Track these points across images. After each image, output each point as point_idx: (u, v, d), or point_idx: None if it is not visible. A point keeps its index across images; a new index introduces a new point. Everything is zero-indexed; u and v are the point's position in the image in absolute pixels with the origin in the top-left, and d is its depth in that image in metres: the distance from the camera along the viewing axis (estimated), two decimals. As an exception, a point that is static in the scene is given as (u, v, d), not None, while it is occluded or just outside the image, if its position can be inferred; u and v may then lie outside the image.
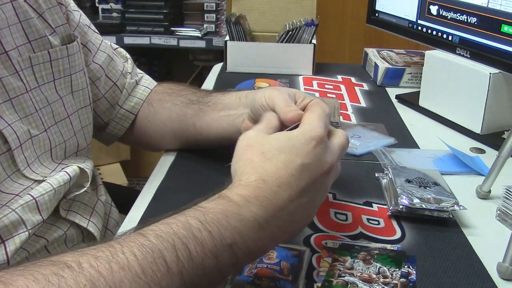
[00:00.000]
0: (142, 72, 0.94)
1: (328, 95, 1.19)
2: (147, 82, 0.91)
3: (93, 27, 0.85)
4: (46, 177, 0.67)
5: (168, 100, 0.86)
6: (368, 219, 0.70)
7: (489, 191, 0.75)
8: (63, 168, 0.70)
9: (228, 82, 1.27)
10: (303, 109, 0.64)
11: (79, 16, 0.82)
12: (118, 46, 0.92)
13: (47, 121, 0.70)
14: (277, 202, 0.48)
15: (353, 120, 1.05)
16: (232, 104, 0.78)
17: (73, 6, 0.81)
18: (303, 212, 0.51)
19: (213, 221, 0.45)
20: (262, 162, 0.50)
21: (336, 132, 0.58)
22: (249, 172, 0.50)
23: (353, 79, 1.30)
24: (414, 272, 0.57)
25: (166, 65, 2.53)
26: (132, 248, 0.42)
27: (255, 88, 1.22)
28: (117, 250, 0.42)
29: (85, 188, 0.73)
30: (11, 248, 0.61)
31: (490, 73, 0.93)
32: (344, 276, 0.56)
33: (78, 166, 0.71)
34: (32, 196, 0.64)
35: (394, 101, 1.16)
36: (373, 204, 0.74)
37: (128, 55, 0.92)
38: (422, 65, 1.11)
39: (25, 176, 0.65)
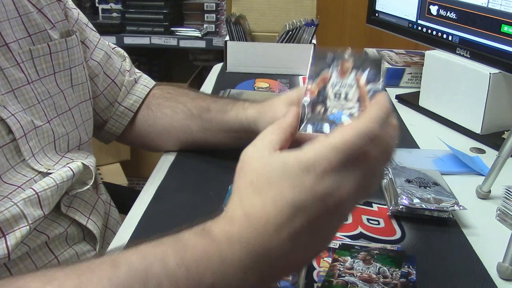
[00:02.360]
0: (141, 72, 0.95)
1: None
2: (146, 81, 0.91)
3: (90, 25, 0.86)
4: (49, 169, 0.68)
5: (167, 106, 0.86)
6: (368, 219, 0.70)
7: (489, 191, 0.75)
8: (67, 163, 0.71)
9: (228, 82, 1.26)
10: None
11: (78, 14, 0.83)
12: (116, 46, 0.93)
13: (49, 113, 0.70)
14: (264, 245, 0.40)
15: (353, 120, 1.05)
16: (233, 126, 0.79)
17: (71, 4, 0.82)
18: (305, 249, 0.42)
19: (192, 260, 0.40)
20: (249, 194, 0.42)
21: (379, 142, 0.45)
22: (235, 204, 0.43)
23: (353, 79, 1.30)
24: (414, 272, 0.57)
25: (166, 65, 2.53)
26: (101, 280, 0.38)
27: (255, 88, 1.22)
28: (86, 279, 0.38)
29: (88, 186, 0.73)
30: (11, 242, 0.61)
31: (490, 73, 0.93)
32: (344, 276, 0.56)
33: (82, 162, 0.72)
34: (34, 190, 0.64)
35: (394, 101, 1.16)
36: (373, 204, 0.74)
37: (126, 54, 0.93)
38: (422, 65, 1.11)
39: (30, 167, 0.66)
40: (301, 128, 0.47)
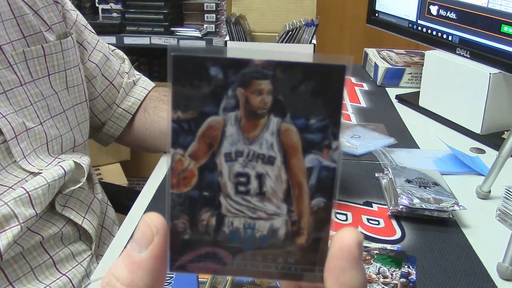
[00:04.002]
0: (140, 73, 0.94)
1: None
2: (145, 83, 0.91)
3: (89, 27, 0.86)
4: (41, 169, 0.68)
5: (164, 109, 0.86)
6: (368, 219, 0.70)
7: (489, 191, 0.75)
8: (59, 163, 0.70)
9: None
10: None
11: (76, 16, 0.82)
12: (115, 48, 0.92)
13: (42, 115, 0.70)
14: None
15: (353, 120, 1.05)
16: None
17: (70, 5, 0.81)
18: None
19: None
20: None
21: None
22: None
23: (353, 79, 1.30)
24: (414, 272, 0.57)
25: (166, 65, 2.53)
26: None
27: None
28: None
29: (81, 183, 0.73)
30: (3, 242, 0.61)
31: (490, 73, 0.93)
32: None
33: (73, 161, 0.72)
34: (25, 189, 0.64)
35: (394, 101, 1.16)
36: (373, 204, 0.74)
37: (125, 56, 0.93)
38: (422, 65, 1.11)
39: (21, 168, 0.66)
40: (173, 268, 0.25)
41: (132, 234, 0.25)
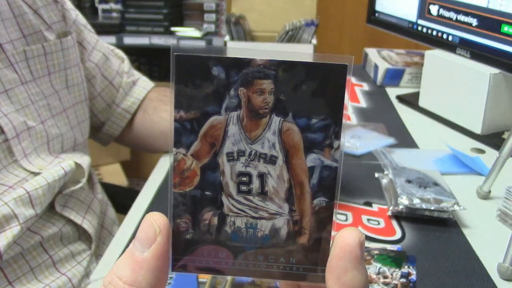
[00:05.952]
0: (139, 73, 0.95)
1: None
2: (144, 83, 0.91)
3: (89, 27, 0.86)
4: (42, 169, 0.68)
5: (164, 110, 0.86)
6: (368, 219, 0.70)
7: (489, 191, 0.75)
8: (59, 163, 0.70)
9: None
10: None
11: (76, 15, 0.82)
12: (114, 47, 0.92)
13: (43, 114, 0.70)
14: None
15: (353, 120, 1.05)
16: None
17: (69, 5, 0.81)
18: None
19: None
20: None
21: None
22: None
23: (353, 79, 1.30)
24: (414, 272, 0.57)
25: (166, 65, 2.53)
26: None
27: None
28: None
29: (81, 184, 0.73)
30: (3, 242, 0.61)
31: (490, 73, 0.93)
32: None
33: (74, 161, 0.72)
34: (25, 189, 0.64)
35: (394, 101, 1.16)
36: (373, 204, 0.74)
37: (124, 56, 0.93)
38: (422, 65, 1.11)
39: (22, 167, 0.66)
40: (175, 268, 0.26)
41: (133, 234, 0.25)
